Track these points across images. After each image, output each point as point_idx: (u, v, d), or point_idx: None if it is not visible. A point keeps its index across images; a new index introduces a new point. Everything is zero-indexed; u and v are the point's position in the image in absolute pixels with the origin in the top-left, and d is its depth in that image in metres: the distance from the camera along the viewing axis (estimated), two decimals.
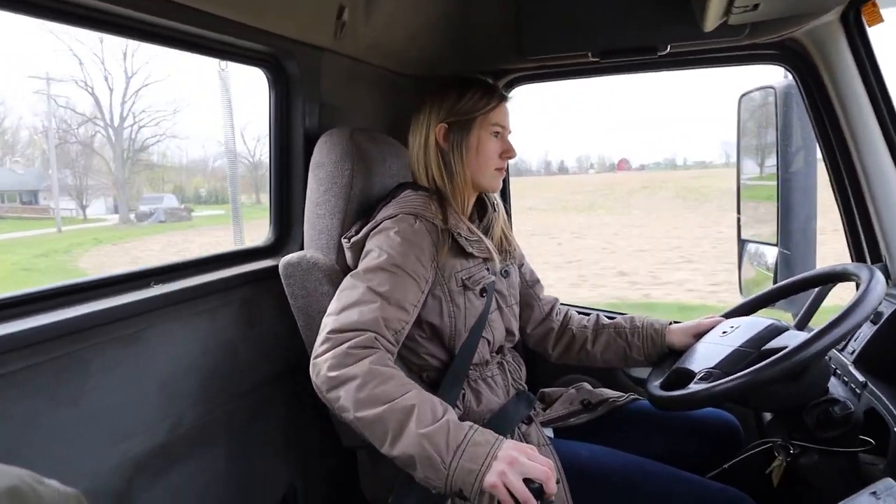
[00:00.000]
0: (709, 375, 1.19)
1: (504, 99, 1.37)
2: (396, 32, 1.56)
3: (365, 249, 1.24)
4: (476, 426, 1.04)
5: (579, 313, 1.59)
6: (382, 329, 1.13)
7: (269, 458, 1.38)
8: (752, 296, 1.50)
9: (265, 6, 1.19)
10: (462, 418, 1.17)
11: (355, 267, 1.26)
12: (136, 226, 15.24)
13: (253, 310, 1.35)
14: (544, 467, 0.98)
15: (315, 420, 1.45)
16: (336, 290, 1.27)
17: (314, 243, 1.38)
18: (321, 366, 1.08)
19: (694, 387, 1.19)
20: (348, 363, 1.06)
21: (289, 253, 1.35)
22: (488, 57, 1.76)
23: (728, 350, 1.23)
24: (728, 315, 1.45)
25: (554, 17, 1.60)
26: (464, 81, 1.36)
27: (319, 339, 1.12)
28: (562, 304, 1.61)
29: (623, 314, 1.57)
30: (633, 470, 1.26)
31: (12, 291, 0.97)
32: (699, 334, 1.39)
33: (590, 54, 1.64)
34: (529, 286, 1.55)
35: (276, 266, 1.34)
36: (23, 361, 0.88)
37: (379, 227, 1.25)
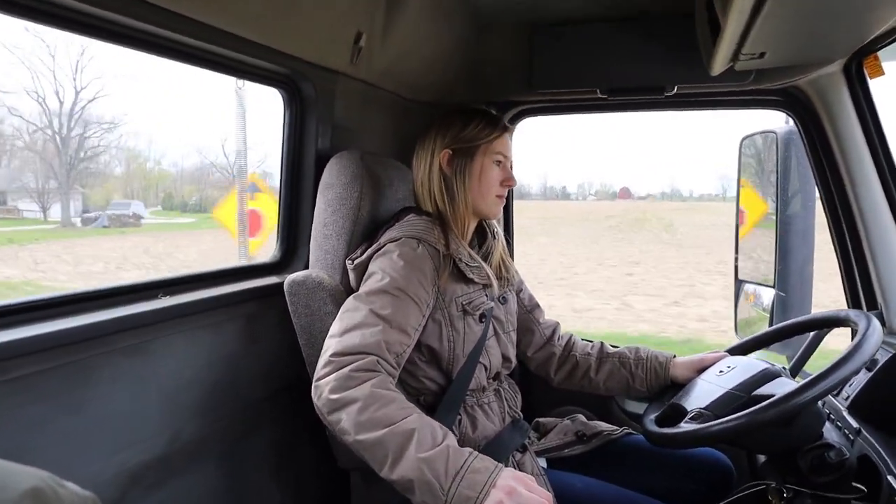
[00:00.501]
0: (699, 416, 1.21)
1: (507, 129, 1.41)
2: (411, 60, 1.60)
3: (368, 271, 1.25)
4: (476, 453, 1.04)
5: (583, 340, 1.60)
6: (384, 352, 1.13)
7: (264, 476, 1.38)
8: (756, 334, 1.51)
9: (284, 29, 1.22)
10: (462, 441, 1.17)
11: (358, 288, 1.27)
12: (75, 230, 16.08)
13: (256, 326, 1.35)
14: (542, 499, 0.98)
15: (311, 439, 1.44)
16: (339, 310, 1.28)
17: (320, 263, 1.39)
18: (323, 388, 1.08)
19: (685, 426, 1.20)
20: (350, 386, 1.07)
21: (294, 271, 1.37)
22: (499, 88, 1.80)
23: (720, 392, 1.24)
24: (732, 351, 1.47)
25: (565, 54, 1.65)
26: (469, 111, 1.40)
27: (322, 361, 1.12)
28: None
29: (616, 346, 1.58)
30: None
31: (21, 298, 0.97)
32: (702, 369, 1.40)
33: (598, 91, 1.67)
34: (528, 311, 1.56)
35: (281, 283, 1.35)
36: (29, 368, 0.88)
37: (382, 250, 1.26)
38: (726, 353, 1.44)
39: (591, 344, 1.57)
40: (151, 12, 0.98)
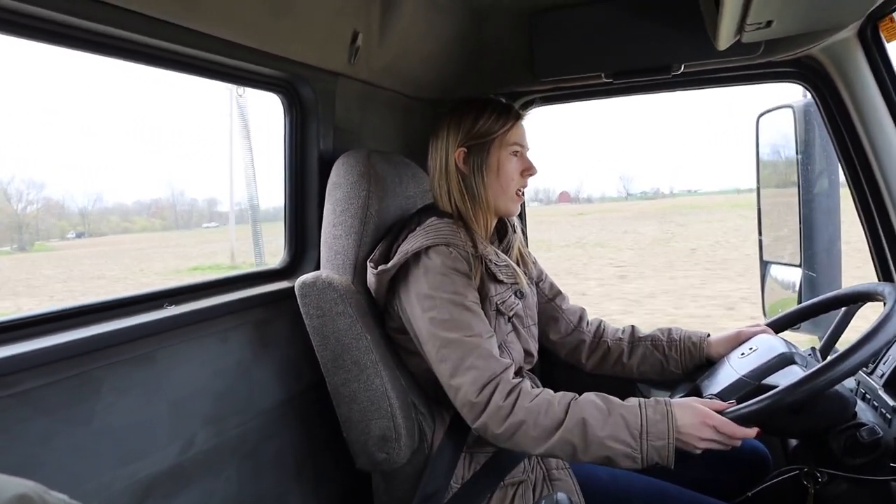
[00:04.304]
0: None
1: (520, 117, 1.37)
2: (410, 56, 1.58)
3: (415, 294, 1.22)
4: (643, 404, 1.11)
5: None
6: (498, 363, 1.16)
7: (282, 481, 1.37)
8: (793, 309, 1.46)
9: (281, 32, 1.21)
10: (480, 439, 1.16)
11: (380, 295, 1.27)
12: None
13: (266, 331, 1.34)
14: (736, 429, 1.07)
15: (328, 442, 1.43)
16: (352, 310, 1.26)
17: (330, 264, 1.38)
18: (485, 429, 1.14)
19: None
20: (505, 416, 1.12)
21: (303, 274, 1.36)
22: (502, 79, 1.77)
23: (734, 377, 1.21)
24: (771, 324, 1.44)
25: (566, 39, 1.61)
26: (479, 104, 1.36)
27: (462, 408, 1.16)
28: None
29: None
30: (653, 494, 1.22)
31: (27, 312, 0.98)
32: (741, 343, 1.37)
33: (603, 75, 1.64)
34: (550, 299, 1.54)
35: (291, 288, 1.34)
36: (37, 381, 0.88)
37: (420, 264, 1.22)
38: (766, 328, 1.40)
39: (621, 329, 1.54)
40: (145, 23, 0.97)
